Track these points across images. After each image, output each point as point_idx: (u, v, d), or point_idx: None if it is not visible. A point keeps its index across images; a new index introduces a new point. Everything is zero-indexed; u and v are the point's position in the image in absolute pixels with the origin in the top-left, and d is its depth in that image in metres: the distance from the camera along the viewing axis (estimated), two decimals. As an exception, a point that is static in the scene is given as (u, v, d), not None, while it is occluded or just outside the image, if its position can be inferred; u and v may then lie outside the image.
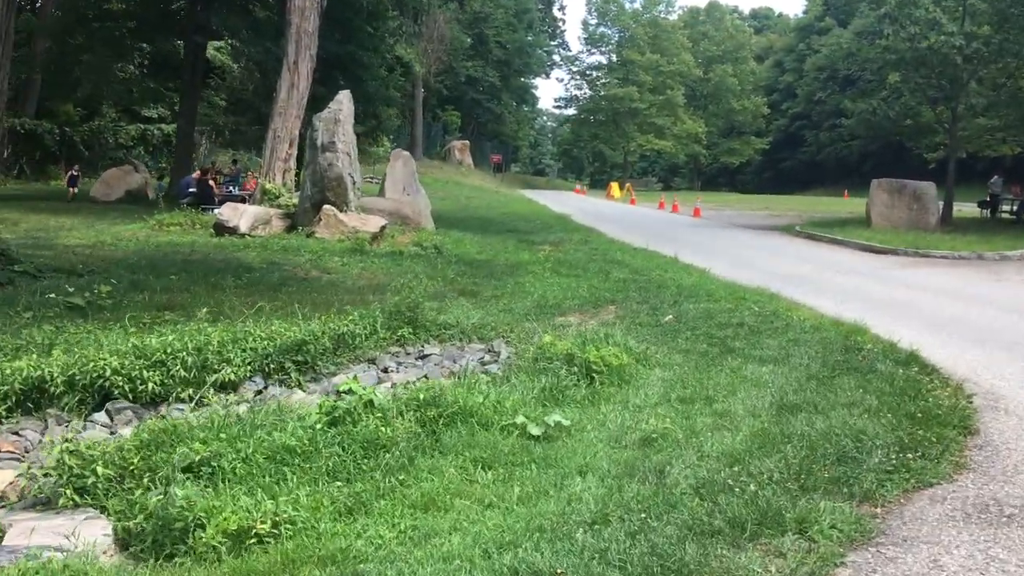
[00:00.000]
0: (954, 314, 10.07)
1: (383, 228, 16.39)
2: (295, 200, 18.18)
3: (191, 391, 5.99)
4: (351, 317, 7.62)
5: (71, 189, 26.21)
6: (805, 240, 22.56)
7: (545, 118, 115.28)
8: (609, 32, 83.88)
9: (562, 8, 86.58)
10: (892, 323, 9.18)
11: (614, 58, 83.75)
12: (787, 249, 19.71)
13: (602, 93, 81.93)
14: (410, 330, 8.15)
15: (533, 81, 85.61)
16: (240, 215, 17.12)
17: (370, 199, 19.24)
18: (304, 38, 20.48)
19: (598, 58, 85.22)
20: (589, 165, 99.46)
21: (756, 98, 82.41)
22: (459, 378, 6.36)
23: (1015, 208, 26.77)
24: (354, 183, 16.95)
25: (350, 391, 5.12)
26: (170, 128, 37.93)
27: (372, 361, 7.43)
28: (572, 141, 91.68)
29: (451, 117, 68.53)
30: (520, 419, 5.18)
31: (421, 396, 5.26)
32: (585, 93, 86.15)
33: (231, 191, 23.74)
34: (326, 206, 16.12)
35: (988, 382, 6.51)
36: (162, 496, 4.00)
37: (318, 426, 4.72)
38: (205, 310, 7.02)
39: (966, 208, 30.34)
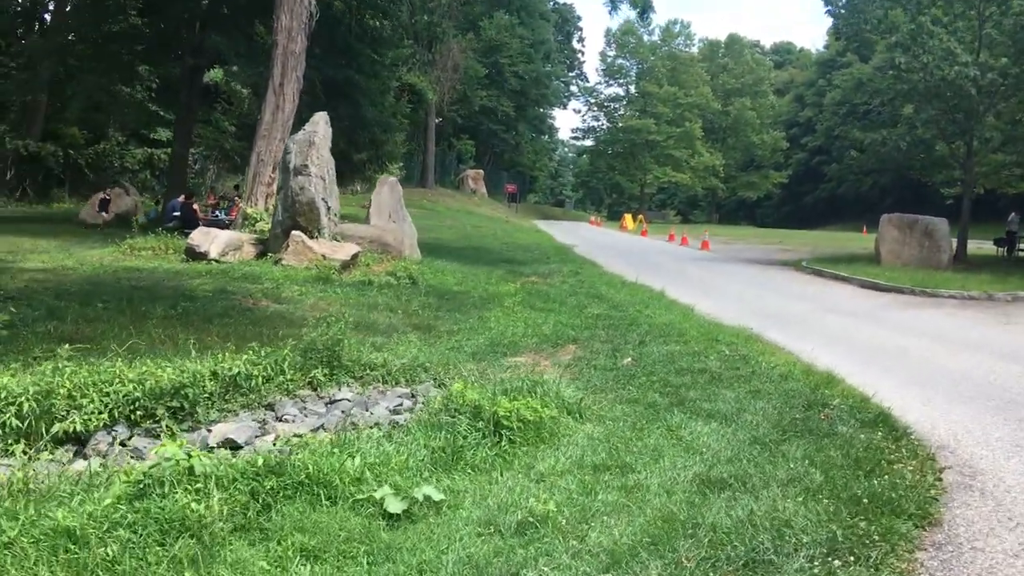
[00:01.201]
0: (948, 364, 9.06)
1: (356, 256, 15.58)
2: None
3: (24, 445, 5.12)
4: (247, 356, 6.73)
5: (102, 214, 24.18)
6: (810, 276, 21.56)
7: (566, 148, 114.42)
8: (627, 64, 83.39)
9: (581, 40, 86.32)
10: (875, 373, 8.23)
11: (632, 90, 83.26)
12: (787, 286, 18.72)
13: (619, 124, 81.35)
14: (326, 371, 7.28)
15: (551, 112, 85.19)
16: (211, 240, 16.40)
17: (351, 226, 18.46)
18: (290, 59, 19.86)
19: (616, 90, 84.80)
20: (607, 196, 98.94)
21: (775, 132, 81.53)
22: (339, 434, 5.44)
23: (1033, 246, 25.72)
24: (328, 209, 16.18)
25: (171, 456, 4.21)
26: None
27: (270, 407, 6.54)
28: (590, 172, 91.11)
29: (465, 146, 68.06)
30: (383, 492, 4.25)
31: (260, 461, 4.36)
32: (603, 124, 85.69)
33: (217, 216, 23.08)
34: (294, 232, 15.35)
35: (968, 451, 5.53)
36: None
37: (107, 501, 3.83)
38: (67, 346, 6.15)
39: (984, 246, 29.22)
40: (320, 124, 16.31)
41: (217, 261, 15.78)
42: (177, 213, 21.91)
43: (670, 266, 23.49)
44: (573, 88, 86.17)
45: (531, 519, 4.04)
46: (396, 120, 39.81)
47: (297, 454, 4.63)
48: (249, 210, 19.14)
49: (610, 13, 69.89)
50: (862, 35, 25.65)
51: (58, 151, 35.22)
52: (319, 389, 7.09)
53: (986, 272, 20.61)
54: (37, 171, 35.00)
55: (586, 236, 40.28)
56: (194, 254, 16.12)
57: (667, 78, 78.71)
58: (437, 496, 4.33)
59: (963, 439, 5.81)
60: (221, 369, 6.45)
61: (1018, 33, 21.43)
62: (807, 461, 4.91)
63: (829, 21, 34.41)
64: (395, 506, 4.17)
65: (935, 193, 34.98)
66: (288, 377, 6.91)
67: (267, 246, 16.35)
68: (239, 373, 6.40)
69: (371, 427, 6.00)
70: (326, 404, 6.82)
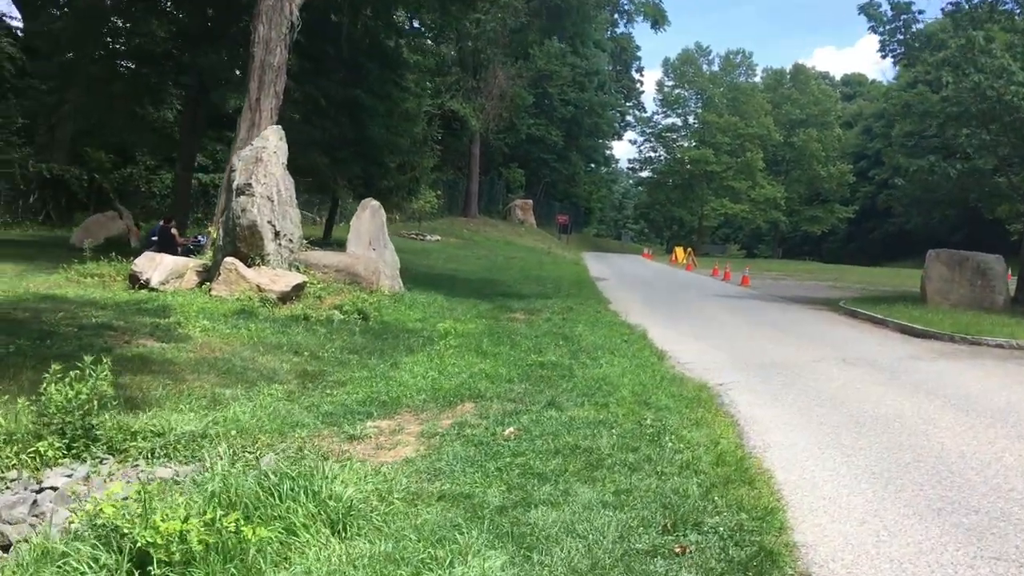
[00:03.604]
0: (944, 442, 6.81)
1: (300, 287, 13.82)
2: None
3: None
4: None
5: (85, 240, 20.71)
6: (844, 318, 19.15)
7: (631, 180, 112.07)
8: (686, 94, 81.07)
9: (640, 70, 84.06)
10: (830, 457, 6.09)
11: (691, 120, 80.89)
12: (809, 328, 16.38)
13: (677, 155, 78.95)
14: (64, 442, 5.46)
15: (607, 142, 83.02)
16: (155, 267, 14.90)
17: (317, 253, 16.75)
18: (268, 73, 18.39)
19: (674, 120, 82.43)
20: (667, 229, 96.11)
21: (842, 164, 77.91)
22: None
23: (1106, 289, 22.71)
24: (276, 233, 14.48)
25: None
26: (208, 178, 36.61)
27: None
28: (649, 204, 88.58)
29: (514, 175, 66.24)
30: None
31: None
32: (660, 155, 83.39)
33: (199, 240, 21.67)
34: (228, 259, 13.66)
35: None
36: None
37: None
38: None
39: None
40: (271, 139, 14.67)
41: (154, 289, 14.28)
42: (155, 238, 20.58)
43: (689, 303, 21.28)
44: (629, 118, 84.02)
45: None
46: (427, 146, 38.33)
47: None
48: (216, 234, 17.66)
49: (624, 26, 67.96)
50: (911, 53, 23.20)
51: (83, 175, 34.54)
52: (40, 469, 5.25)
53: (1047, 317, 17.95)
54: (60, 194, 34.36)
55: (624, 270, 38.15)
56: (137, 281, 14.67)
57: (727, 108, 76.19)
58: None
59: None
60: None
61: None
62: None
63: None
64: None
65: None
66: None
67: (210, 274, 14.74)
68: None
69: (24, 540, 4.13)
70: (35, 492, 4.98)
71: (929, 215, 35.45)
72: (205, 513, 3.84)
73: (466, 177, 56.22)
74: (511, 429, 6.65)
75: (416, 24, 45.43)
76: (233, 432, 6.18)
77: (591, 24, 66.01)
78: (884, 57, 22.73)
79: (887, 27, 22.41)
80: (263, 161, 14.26)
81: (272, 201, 14.37)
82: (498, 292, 20.93)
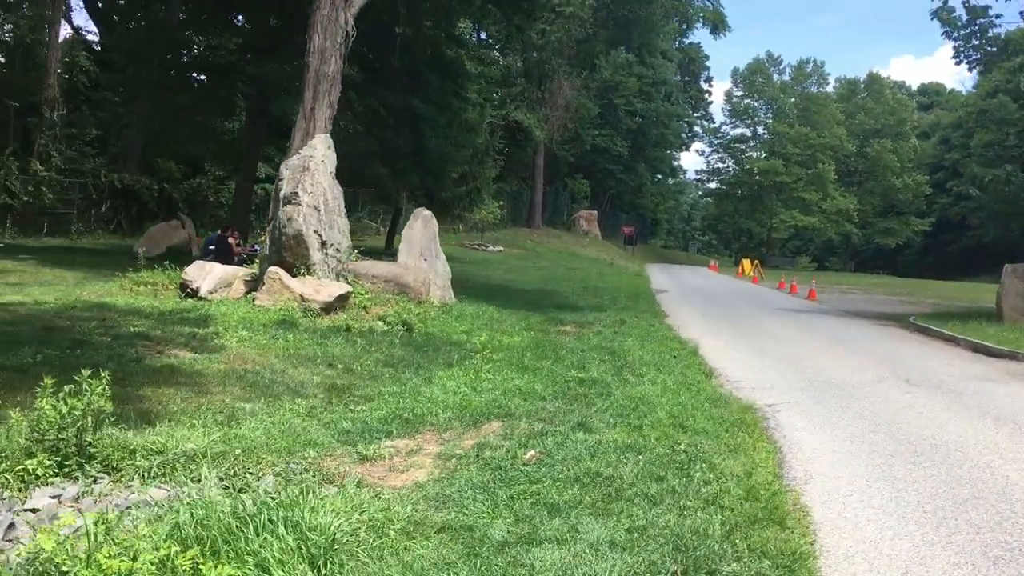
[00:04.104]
0: (1009, 477, 6.18)
1: (343, 297, 13.64)
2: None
3: None
4: None
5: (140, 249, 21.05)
6: (915, 334, 18.31)
7: (699, 192, 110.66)
8: (755, 104, 79.61)
9: (709, 80, 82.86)
10: (878, 492, 5.57)
11: (760, 130, 79.41)
12: (873, 346, 15.62)
13: (746, 167, 77.56)
14: (56, 460, 5.25)
15: (676, 153, 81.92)
16: (205, 276, 14.90)
17: (367, 263, 16.60)
18: (322, 82, 18.32)
19: (742, 130, 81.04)
20: (735, 240, 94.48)
21: (917, 176, 75.46)
22: None
23: None
24: (323, 243, 14.33)
25: None
26: (273, 188, 36.85)
27: None
28: (717, 216, 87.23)
29: (579, 186, 65.72)
30: None
31: None
32: (728, 166, 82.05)
33: (255, 249, 21.75)
34: (272, 268, 13.55)
35: None
36: None
37: None
38: None
39: None
40: (319, 147, 14.56)
41: (202, 298, 14.26)
42: (212, 247, 20.71)
43: (749, 317, 20.59)
44: (697, 129, 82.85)
45: None
46: (489, 156, 38.18)
47: None
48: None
49: (684, 32, 66.95)
50: (987, 59, 22.12)
51: (153, 184, 35.14)
52: (27, 489, 5.04)
53: None
54: (131, 204, 35.03)
55: (687, 282, 37.39)
56: (187, 290, 14.69)
57: (798, 118, 74.60)
58: None
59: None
60: None
61: None
62: None
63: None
64: None
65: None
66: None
67: (256, 283, 14.67)
68: None
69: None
70: (15, 513, 4.76)
71: (1007, 227, 33.84)
72: (159, 549, 3.54)
73: (530, 188, 55.97)
74: (532, 452, 6.27)
75: (483, 36, 45.55)
76: (238, 451, 5.91)
77: (658, 34, 65.31)
78: (958, 64, 21.75)
79: (962, 32, 21.45)
80: (310, 170, 14.15)
81: (319, 210, 14.24)
82: (553, 304, 20.55)
